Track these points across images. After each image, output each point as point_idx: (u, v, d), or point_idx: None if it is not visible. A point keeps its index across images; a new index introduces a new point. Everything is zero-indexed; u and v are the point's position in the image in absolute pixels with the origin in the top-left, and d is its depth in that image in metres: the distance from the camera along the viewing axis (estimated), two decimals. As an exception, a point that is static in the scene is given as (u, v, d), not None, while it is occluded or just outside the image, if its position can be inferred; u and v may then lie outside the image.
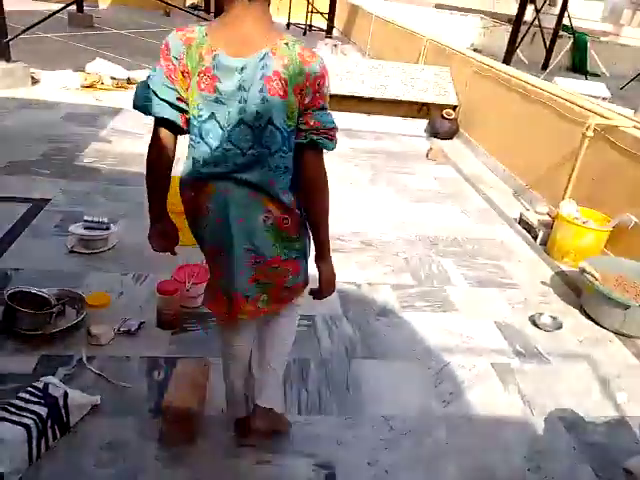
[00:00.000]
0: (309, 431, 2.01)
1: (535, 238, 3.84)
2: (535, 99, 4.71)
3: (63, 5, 6.74)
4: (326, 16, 11.14)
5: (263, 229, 1.49)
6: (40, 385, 1.83)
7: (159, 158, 1.47)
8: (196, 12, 11.71)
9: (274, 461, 1.87)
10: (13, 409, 1.71)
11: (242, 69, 1.32)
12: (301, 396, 2.16)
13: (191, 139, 1.44)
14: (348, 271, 3.13)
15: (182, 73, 1.36)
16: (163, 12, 12.45)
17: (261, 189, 1.44)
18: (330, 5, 10.83)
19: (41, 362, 2.13)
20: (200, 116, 1.38)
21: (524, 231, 3.97)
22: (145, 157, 1.51)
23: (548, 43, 13.53)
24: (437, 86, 6.49)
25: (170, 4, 11.07)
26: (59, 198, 3.50)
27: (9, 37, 5.78)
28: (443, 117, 6.00)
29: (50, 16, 6.39)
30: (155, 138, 1.45)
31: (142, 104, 1.40)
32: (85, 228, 2.98)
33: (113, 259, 2.93)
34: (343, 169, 4.77)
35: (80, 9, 9.94)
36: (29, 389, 1.81)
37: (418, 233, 3.74)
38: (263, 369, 1.79)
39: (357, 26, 12.64)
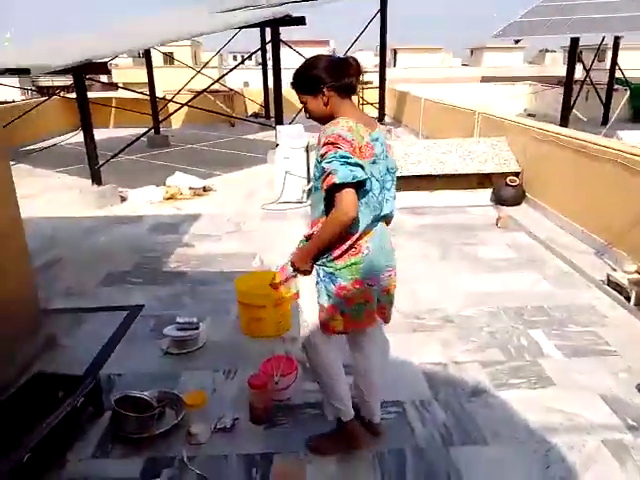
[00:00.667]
0: (415, 527, 1.91)
1: (628, 299, 3.61)
2: (600, 157, 4.64)
3: (145, 130, 7.64)
4: (376, 105, 11.77)
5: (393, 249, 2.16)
6: (149, 489, 1.89)
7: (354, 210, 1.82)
8: (257, 119, 12.78)
9: None
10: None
11: (378, 139, 1.92)
12: (401, 489, 2.08)
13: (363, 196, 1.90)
14: (431, 350, 3.07)
15: (355, 149, 1.80)
16: (229, 124, 13.68)
17: None
18: (380, 95, 11.49)
19: (147, 465, 2.22)
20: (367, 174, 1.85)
21: (615, 292, 3.75)
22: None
23: (604, 98, 13.40)
24: (496, 156, 6.55)
25: (234, 117, 12.21)
26: (152, 303, 3.77)
27: (100, 163, 6.57)
28: (507, 184, 5.99)
29: (135, 141, 7.24)
30: (354, 198, 1.79)
31: (349, 175, 1.76)
32: (178, 329, 3.17)
33: (203, 357, 3.07)
34: (412, 246, 4.81)
35: (157, 131, 11.15)
36: (140, 493, 1.88)
37: (500, 305, 3.63)
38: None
39: (407, 110, 13.21)
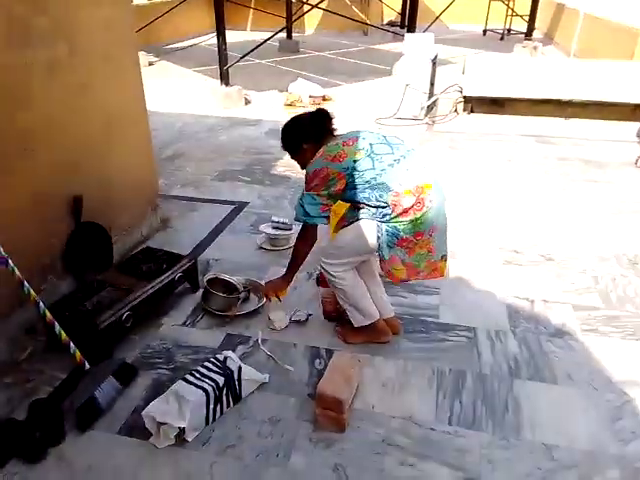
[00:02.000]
0: (458, 443, 1.94)
1: None
2: None
3: (273, 32, 7.64)
4: (526, 18, 10.43)
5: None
6: (221, 357, 2.14)
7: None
8: (392, 29, 12.11)
9: (418, 465, 1.86)
10: (198, 375, 2.03)
11: (358, 135, 2.18)
12: (454, 407, 2.10)
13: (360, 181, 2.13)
14: (521, 285, 2.92)
15: (325, 174, 2.15)
16: (362, 32, 13.16)
17: None
18: (532, 7, 10.12)
19: (226, 339, 2.48)
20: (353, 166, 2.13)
21: None
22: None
23: None
24: (656, 84, 5.59)
25: (369, 24, 11.67)
26: (255, 202, 4.00)
27: (228, 64, 6.79)
28: (662, 119, 5.14)
29: (261, 44, 7.32)
30: (306, 231, 2.33)
31: (302, 214, 2.22)
32: (272, 228, 3.36)
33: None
34: (529, 177, 4.45)
35: (289, 36, 11.11)
36: (212, 359, 2.13)
37: (614, 249, 3.29)
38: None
39: (562, 26, 11.55)
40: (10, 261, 1.90)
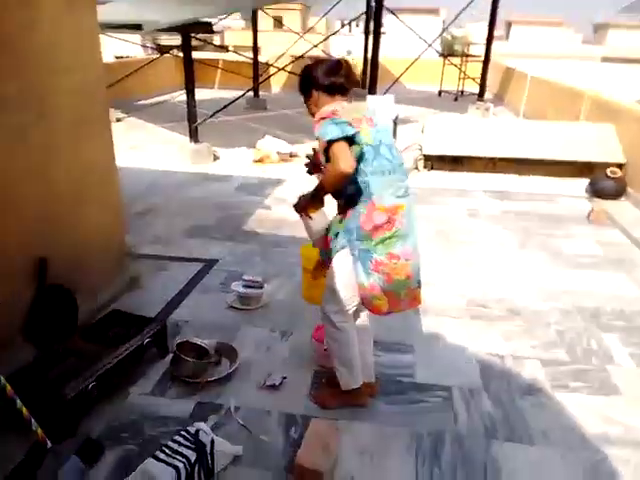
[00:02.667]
0: (440, 511, 1.91)
1: None
2: None
3: (241, 91, 7.88)
4: (478, 81, 11.14)
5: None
6: (192, 430, 2.05)
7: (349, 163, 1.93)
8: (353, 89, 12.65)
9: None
10: (168, 451, 1.94)
11: (372, 118, 2.09)
12: (433, 474, 2.07)
13: (366, 159, 2.04)
14: (490, 341, 2.97)
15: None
16: (324, 90, 13.68)
17: None
18: (482, 71, 10.84)
19: (197, 408, 2.39)
20: (372, 141, 2.06)
21: None
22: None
23: None
24: (600, 144, 6.01)
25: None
26: (226, 259, 3.98)
27: (198, 122, 6.90)
28: (607, 176, 5.50)
29: (231, 103, 7.50)
30: (347, 150, 1.92)
31: (337, 130, 1.93)
32: (243, 286, 3.33)
33: (263, 315, 3.21)
34: (491, 232, 4.62)
35: (256, 94, 11.44)
36: (183, 433, 2.04)
37: (575, 303, 3.41)
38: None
39: (511, 87, 12.39)
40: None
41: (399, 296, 2.11)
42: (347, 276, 2.12)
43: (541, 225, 4.82)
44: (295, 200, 2.31)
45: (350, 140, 1.93)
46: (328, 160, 1.96)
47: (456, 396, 2.51)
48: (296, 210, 2.31)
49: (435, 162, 6.35)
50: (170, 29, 7.03)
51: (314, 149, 2.25)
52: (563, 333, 3.07)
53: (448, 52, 14.01)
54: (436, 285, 3.60)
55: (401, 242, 2.05)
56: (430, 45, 9.94)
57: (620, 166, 5.65)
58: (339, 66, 2.11)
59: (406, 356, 2.81)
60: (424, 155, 6.34)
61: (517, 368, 2.74)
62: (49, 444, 1.93)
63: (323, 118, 1.97)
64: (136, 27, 6.58)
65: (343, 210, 2.11)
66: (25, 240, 2.57)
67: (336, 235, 2.15)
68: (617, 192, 5.48)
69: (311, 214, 2.27)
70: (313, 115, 2.11)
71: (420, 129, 7.24)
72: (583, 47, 30.48)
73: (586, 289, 3.61)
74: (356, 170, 1.95)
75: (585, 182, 5.88)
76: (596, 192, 5.54)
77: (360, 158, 1.98)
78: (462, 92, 13.27)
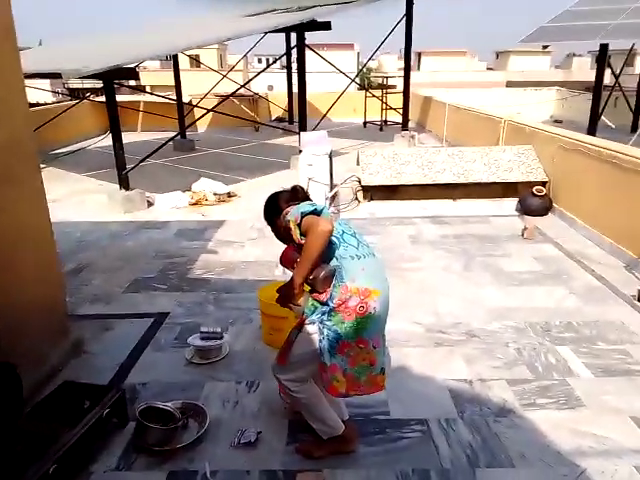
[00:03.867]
0: None
1: (661, 316, 3.51)
2: (630, 168, 4.53)
3: (172, 136, 7.74)
4: (400, 111, 11.69)
5: None
6: (172, 504, 1.90)
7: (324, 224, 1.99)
8: (281, 124, 12.84)
9: None
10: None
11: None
12: (425, 511, 2.04)
13: (335, 242, 2.12)
14: (455, 367, 3.03)
15: None
16: (253, 128, 13.77)
17: None
18: (404, 100, 11.40)
19: (170, 478, 2.23)
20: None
21: (646, 309, 3.65)
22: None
23: (633, 104, 13.06)
24: (522, 165, 6.45)
25: (258, 122, 12.27)
26: (176, 311, 3.80)
27: (128, 168, 6.67)
28: (534, 194, 5.89)
29: (161, 147, 7.34)
30: (317, 218, 2.00)
31: (307, 208, 2.08)
32: (202, 339, 3.18)
33: (226, 367, 3.08)
34: (434, 257, 4.77)
35: (183, 135, 11.28)
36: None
37: (526, 320, 3.56)
38: None
39: (432, 116, 13.11)
40: None
41: (359, 380, 2.11)
42: (311, 354, 2.11)
43: (479, 246, 5.04)
44: (276, 295, 2.26)
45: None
46: (303, 235, 2.02)
47: (434, 428, 2.51)
48: (282, 304, 2.24)
49: (373, 192, 6.52)
50: (92, 76, 6.82)
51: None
52: (521, 350, 3.19)
53: (368, 84, 14.62)
54: (392, 315, 3.61)
55: (371, 328, 2.05)
56: (353, 80, 10.33)
57: (544, 184, 6.07)
58: (298, 193, 2.27)
59: (378, 393, 2.78)
60: (362, 186, 6.49)
61: (485, 391, 2.80)
62: None
63: (288, 212, 2.12)
64: (55, 76, 6.34)
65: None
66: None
67: (313, 309, 2.12)
68: (545, 208, 5.88)
69: (299, 300, 2.20)
70: (284, 240, 2.21)
71: (354, 160, 7.43)
72: (488, 74, 32.99)
73: (533, 305, 3.79)
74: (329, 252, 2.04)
75: (513, 202, 6.25)
76: (525, 210, 5.91)
77: (329, 244, 2.03)
78: (386, 122, 13.83)
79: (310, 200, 2.29)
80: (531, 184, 6.07)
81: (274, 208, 2.24)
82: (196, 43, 7.47)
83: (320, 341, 2.05)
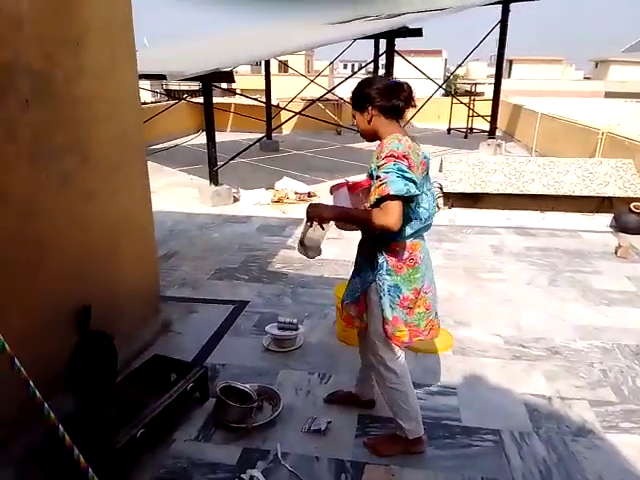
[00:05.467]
0: None
1: None
2: None
3: (260, 136, 8.08)
4: (488, 118, 11.35)
5: None
6: (246, 478, 2.02)
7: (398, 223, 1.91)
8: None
9: None
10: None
11: (427, 157, 2.07)
12: (493, 520, 2.01)
13: (410, 208, 2.01)
14: (534, 382, 2.92)
15: (412, 167, 1.92)
16: (335, 132, 13.99)
17: None
18: (492, 107, 11.07)
19: (243, 454, 2.35)
20: (420, 190, 1.98)
21: None
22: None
23: None
24: (620, 179, 6.06)
25: (341, 125, 12.44)
26: (255, 300, 3.98)
27: (218, 165, 7.04)
28: (631, 210, 5.51)
29: (250, 146, 7.69)
30: (400, 211, 1.89)
31: (403, 189, 1.87)
32: (278, 329, 3.32)
33: (301, 358, 3.18)
34: (517, 269, 4.60)
35: (269, 137, 11.70)
36: (238, 480, 2.00)
37: (615, 341, 3.36)
38: None
39: (521, 125, 12.60)
40: (31, 383, 1.81)
41: (419, 327, 2.18)
42: (379, 311, 2.16)
43: (567, 261, 4.80)
44: (315, 204, 2.12)
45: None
46: (377, 203, 1.91)
47: (506, 439, 2.45)
48: (311, 215, 2.07)
49: (455, 200, 6.41)
50: (192, 78, 7.28)
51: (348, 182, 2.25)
52: (606, 372, 3.02)
53: (454, 91, 14.33)
54: (472, 325, 3.58)
55: (421, 277, 2.12)
56: (440, 86, 10.19)
57: (642, 201, 5.67)
58: (401, 88, 2.02)
59: (450, 398, 2.76)
60: (444, 193, 6.40)
61: (565, 409, 2.68)
62: (103, 495, 1.89)
63: (393, 156, 1.88)
64: (160, 77, 6.84)
65: (368, 246, 2.16)
66: (67, 288, 2.59)
67: (361, 272, 2.20)
68: (642, 227, 5.49)
69: (324, 225, 2.11)
70: (362, 132, 2.12)
71: (436, 167, 7.34)
72: (585, 83, 31.09)
73: (623, 326, 3.57)
74: None
75: (605, 217, 5.89)
76: (621, 227, 5.54)
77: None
78: (471, 129, 13.49)
79: (413, 105, 2.06)
80: (629, 200, 5.68)
81: (368, 96, 2.02)
82: (292, 49, 7.74)
83: (380, 298, 2.13)
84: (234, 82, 7.98)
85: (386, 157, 1.90)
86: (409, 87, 2.05)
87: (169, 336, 3.47)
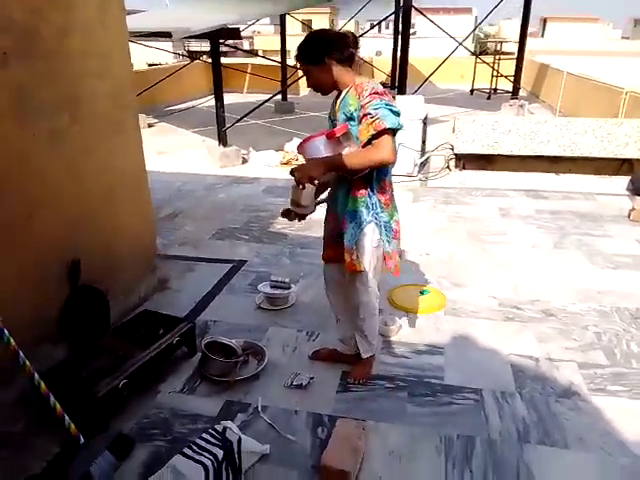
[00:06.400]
0: (470, 516, 1.86)
1: None
2: None
3: (269, 95, 7.95)
4: (511, 79, 10.91)
5: None
6: (220, 428, 2.06)
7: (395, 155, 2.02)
8: (382, 88, 12.55)
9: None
10: (196, 448, 1.95)
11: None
12: (464, 477, 2.01)
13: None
14: (523, 342, 2.89)
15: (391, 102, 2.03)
16: (353, 92, 13.68)
17: None
18: (516, 67, 10.62)
19: (225, 407, 2.40)
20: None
21: None
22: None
23: None
24: (641, 140, 5.78)
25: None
26: (253, 260, 4.00)
27: (227, 126, 6.99)
28: (650, 173, 5.28)
29: (258, 106, 7.57)
30: (394, 144, 2.00)
31: (396, 122, 1.96)
32: (271, 287, 3.34)
33: (291, 316, 3.20)
34: (523, 232, 4.49)
35: (284, 98, 11.52)
36: (210, 431, 2.05)
37: (615, 304, 3.28)
38: None
39: (546, 85, 12.08)
40: (5, 331, 1.87)
41: (400, 255, 2.42)
42: (378, 248, 2.29)
43: (578, 224, 4.66)
44: (298, 166, 2.05)
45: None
46: (371, 139, 1.99)
47: (487, 399, 2.44)
48: (299, 177, 1.98)
49: (466, 161, 6.24)
50: (199, 36, 7.15)
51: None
52: (601, 335, 2.95)
53: (480, 50, 13.78)
54: (468, 286, 3.53)
55: (397, 209, 2.34)
56: (460, 44, 9.79)
57: (662, 162, 5.42)
58: (346, 36, 2.12)
59: (436, 357, 2.75)
60: (455, 154, 6.24)
61: (552, 371, 2.65)
62: (82, 439, 1.97)
63: (377, 93, 1.98)
64: (166, 35, 6.73)
65: (356, 187, 2.19)
66: (59, 242, 2.64)
67: (353, 213, 2.21)
68: (660, 190, 5.26)
69: (314, 184, 2.01)
70: (318, 85, 2.14)
71: (451, 128, 7.13)
72: (623, 43, 29.50)
73: (625, 290, 3.47)
74: None
75: (623, 180, 5.67)
76: (636, 190, 5.32)
77: None
78: (495, 90, 13.02)
79: (356, 60, 2.12)
80: (648, 162, 5.44)
81: (323, 48, 2.05)
82: (300, 5, 7.49)
83: (380, 234, 2.25)
84: (240, 38, 7.82)
85: (370, 94, 1.98)
86: (352, 34, 2.16)
87: (165, 293, 3.53)
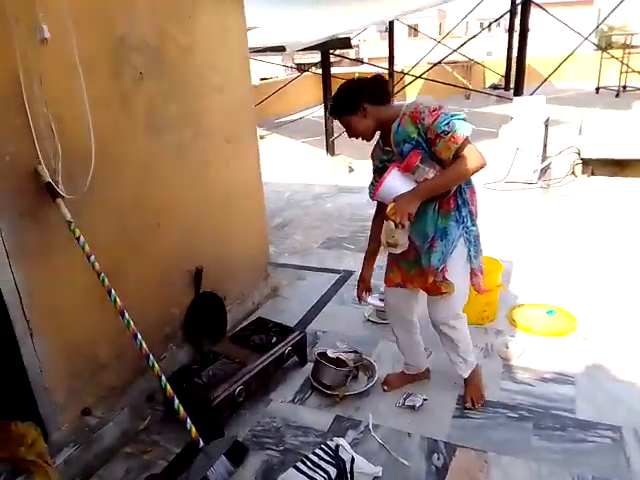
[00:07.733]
0: None
1: None
2: None
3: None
4: (646, 73, 9.84)
5: None
6: (333, 445, 2.03)
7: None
8: (496, 92, 11.98)
9: None
10: (309, 463, 1.94)
11: None
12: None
13: None
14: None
15: None
16: (464, 96, 13.17)
17: None
18: (652, 60, 9.56)
19: (335, 421, 2.37)
20: None
21: None
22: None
23: None
24: None
25: (470, 89, 11.66)
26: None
27: (334, 136, 7.06)
28: None
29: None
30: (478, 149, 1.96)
31: (469, 128, 1.93)
32: (380, 300, 3.25)
33: (402, 331, 3.09)
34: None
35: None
36: (323, 447, 2.02)
37: None
38: None
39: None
40: (139, 335, 1.99)
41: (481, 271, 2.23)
42: (466, 265, 2.17)
43: None
44: (394, 207, 1.96)
45: None
46: (454, 156, 1.93)
47: (628, 438, 2.14)
48: (399, 218, 1.92)
49: (595, 166, 5.68)
50: (311, 48, 7.32)
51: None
52: None
53: (606, 45, 12.61)
54: (602, 310, 3.17)
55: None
56: (586, 38, 9.00)
57: None
58: (374, 79, 2.10)
59: (565, 387, 2.49)
60: (582, 159, 5.70)
61: None
62: (201, 443, 2.04)
63: (435, 110, 1.94)
64: (280, 49, 6.98)
65: (444, 202, 2.07)
66: (183, 249, 2.79)
67: (443, 230, 2.08)
68: None
69: (411, 220, 1.96)
70: (361, 134, 2.09)
71: (576, 131, 6.55)
72: None
73: None
74: None
75: None
76: None
77: None
78: (625, 87, 11.81)
79: (391, 98, 2.15)
80: None
81: (353, 100, 2.04)
82: (407, 9, 7.37)
83: (469, 250, 2.13)
84: (351, 47, 7.85)
85: (431, 113, 1.93)
86: (380, 75, 2.17)
87: (277, 300, 3.60)
